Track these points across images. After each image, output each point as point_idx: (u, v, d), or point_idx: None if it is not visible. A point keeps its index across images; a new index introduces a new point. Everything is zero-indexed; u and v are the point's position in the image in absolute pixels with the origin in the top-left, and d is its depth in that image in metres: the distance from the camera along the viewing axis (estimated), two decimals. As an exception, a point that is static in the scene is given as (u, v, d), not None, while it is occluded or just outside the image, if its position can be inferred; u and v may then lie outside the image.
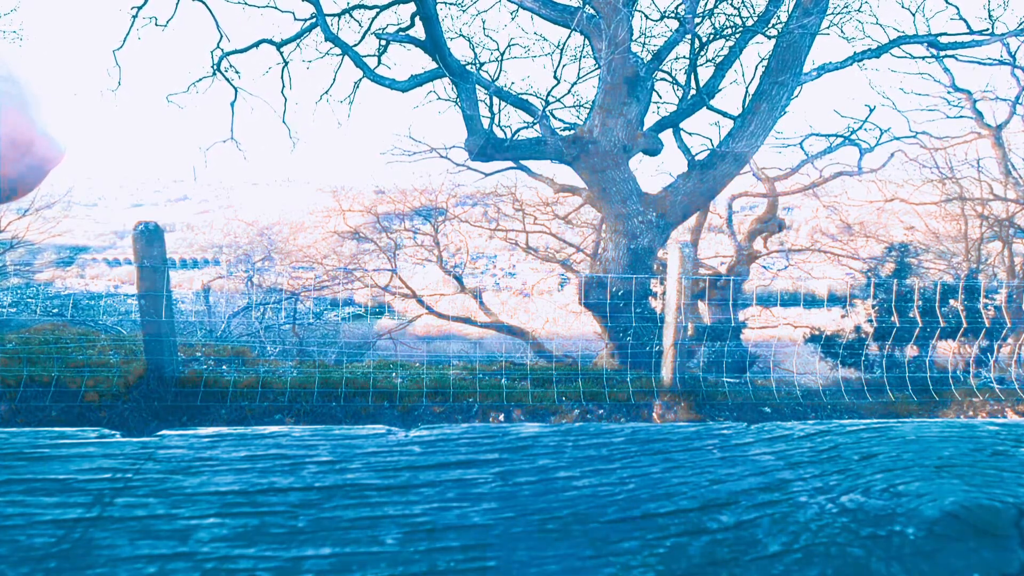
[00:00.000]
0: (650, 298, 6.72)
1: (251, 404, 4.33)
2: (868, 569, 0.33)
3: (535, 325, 11.65)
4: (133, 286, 5.15)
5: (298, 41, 7.05)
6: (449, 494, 0.39)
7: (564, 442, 0.46)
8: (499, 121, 6.93)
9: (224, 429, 0.46)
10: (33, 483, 0.38)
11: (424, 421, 4.37)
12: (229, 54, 7.24)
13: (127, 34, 7.01)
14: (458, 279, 9.99)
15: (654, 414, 4.59)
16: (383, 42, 6.91)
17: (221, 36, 7.10)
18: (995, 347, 6.40)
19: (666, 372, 4.85)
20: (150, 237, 4.10)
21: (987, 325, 6.03)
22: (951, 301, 6.18)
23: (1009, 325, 6.26)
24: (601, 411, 4.62)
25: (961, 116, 9.02)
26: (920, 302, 5.88)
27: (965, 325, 5.89)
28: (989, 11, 6.82)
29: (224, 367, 4.90)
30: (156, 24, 7.07)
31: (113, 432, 0.46)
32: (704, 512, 0.38)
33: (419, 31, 6.21)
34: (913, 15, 7.04)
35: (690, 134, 7.20)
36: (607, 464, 0.43)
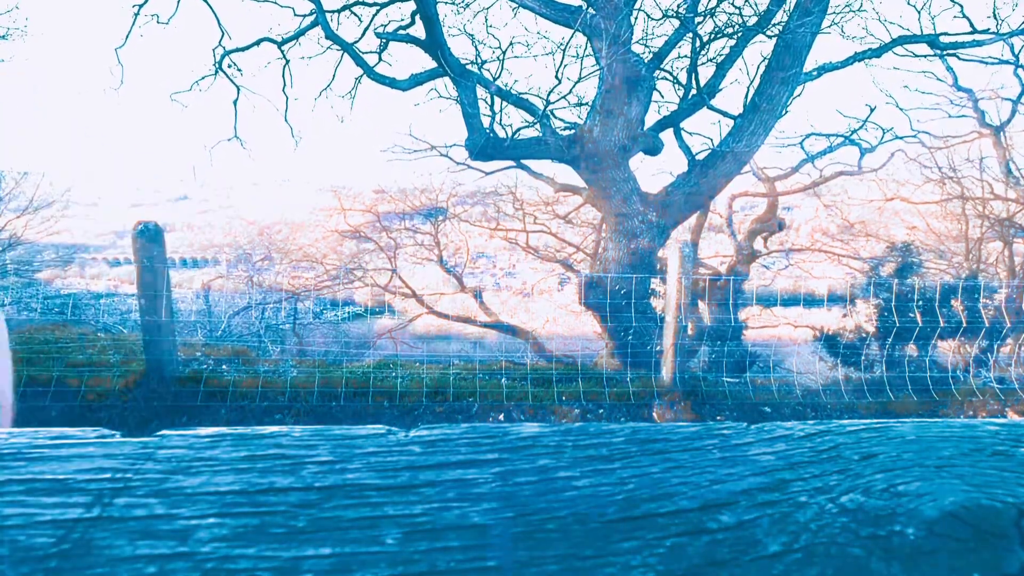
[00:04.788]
0: (651, 298, 6.72)
1: (251, 404, 4.33)
2: (868, 569, 0.33)
3: (535, 325, 11.65)
4: (133, 286, 5.16)
5: (298, 39, 7.05)
6: (449, 494, 0.39)
7: (564, 442, 0.46)
8: (500, 120, 6.93)
9: (224, 429, 0.46)
10: (33, 483, 0.38)
11: (424, 421, 4.38)
12: (231, 52, 7.24)
13: (129, 32, 7.00)
14: (458, 279, 9.99)
15: (654, 414, 4.59)
16: (383, 40, 6.91)
17: (223, 33, 7.10)
18: (995, 347, 6.40)
19: (666, 372, 4.85)
20: (150, 237, 4.11)
21: (987, 325, 6.03)
22: (951, 301, 6.17)
23: (1009, 325, 6.25)
24: (601, 411, 4.62)
25: (963, 115, 9.02)
26: (920, 302, 5.88)
27: (965, 325, 5.89)
28: (995, 11, 6.80)
29: (224, 367, 4.90)
30: (158, 22, 7.07)
31: (113, 432, 0.46)
32: (704, 512, 0.38)
33: (419, 30, 6.20)
34: (919, 12, 7.01)
35: (691, 134, 7.20)
36: (607, 464, 0.43)
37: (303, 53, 13.53)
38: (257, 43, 7.08)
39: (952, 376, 5.44)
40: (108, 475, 0.39)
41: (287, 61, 7.33)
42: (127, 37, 7.08)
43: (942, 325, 5.62)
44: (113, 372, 4.47)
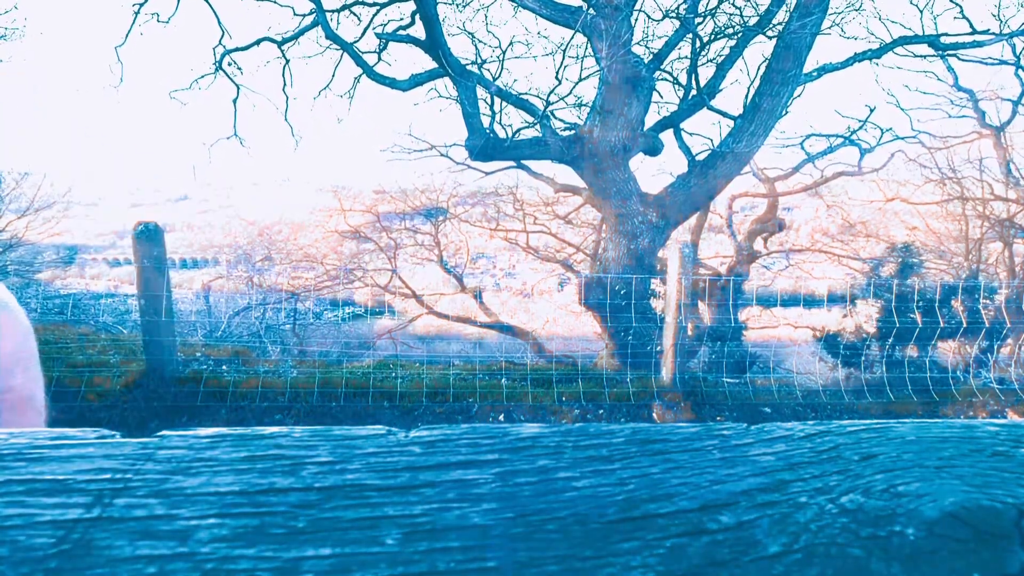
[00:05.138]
0: (651, 298, 6.72)
1: (251, 404, 4.33)
2: (868, 569, 0.33)
3: (535, 325, 11.64)
4: (133, 286, 5.17)
5: (298, 39, 7.05)
6: (449, 494, 0.39)
7: (564, 442, 0.46)
8: (500, 120, 6.93)
9: (224, 429, 0.46)
10: (33, 483, 0.38)
11: (424, 421, 4.38)
12: (231, 51, 7.24)
13: (129, 30, 7.00)
14: (458, 279, 9.99)
15: (654, 414, 4.59)
16: (383, 40, 6.91)
17: (223, 32, 7.10)
18: (995, 347, 6.40)
19: (666, 372, 4.85)
20: (150, 237, 4.11)
21: (987, 325, 6.03)
22: (952, 301, 6.17)
23: (1009, 325, 6.25)
24: (601, 411, 4.62)
25: (963, 116, 9.02)
26: (920, 302, 5.88)
27: (965, 325, 5.88)
28: (999, 11, 6.79)
29: (224, 367, 4.90)
30: (158, 20, 7.07)
31: (113, 432, 0.46)
32: (704, 513, 0.38)
33: (419, 30, 6.20)
34: (921, 11, 7.00)
35: (691, 134, 7.19)
36: (607, 465, 0.43)
37: (303, 53, 13.53)
38: (257, 43, 7.08)
39: (952, 376, 5.44)
40: (108, 475, 0.39)
41: (287, 61, 7.34)
42: (127, 36, 7.08)
43: (942, 325, 5.62)
44: (113, 372, 4.47)
